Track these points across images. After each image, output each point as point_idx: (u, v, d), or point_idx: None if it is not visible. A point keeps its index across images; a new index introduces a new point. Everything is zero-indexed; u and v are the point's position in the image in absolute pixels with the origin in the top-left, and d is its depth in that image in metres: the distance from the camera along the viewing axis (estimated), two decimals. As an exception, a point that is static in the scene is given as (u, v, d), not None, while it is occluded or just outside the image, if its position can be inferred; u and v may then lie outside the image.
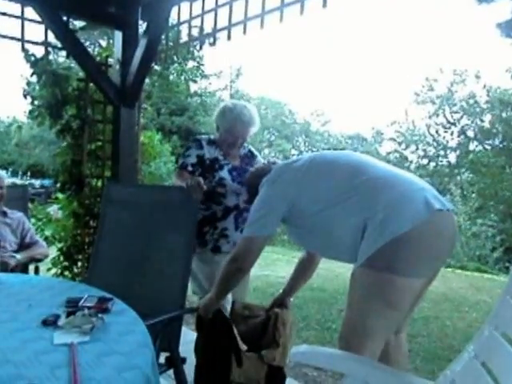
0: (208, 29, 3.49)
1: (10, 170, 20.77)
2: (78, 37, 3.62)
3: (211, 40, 3.50)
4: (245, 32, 2.98)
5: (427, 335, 3.63)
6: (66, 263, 4.05)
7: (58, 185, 4.06)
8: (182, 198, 2.19)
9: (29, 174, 20.99)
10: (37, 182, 19.52)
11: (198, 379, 2.06)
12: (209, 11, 3.33)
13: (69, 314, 1.33)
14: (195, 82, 13.46)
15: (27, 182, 19.04)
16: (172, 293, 2.04)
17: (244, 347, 1.95)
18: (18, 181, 18.85)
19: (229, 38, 3.12)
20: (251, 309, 2.17)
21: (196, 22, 3.53)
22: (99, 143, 4.01)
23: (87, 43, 17.86)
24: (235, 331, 1.95)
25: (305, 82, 55.02)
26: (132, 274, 2.14)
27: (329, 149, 27.28)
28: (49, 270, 4.05)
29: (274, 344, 2.00)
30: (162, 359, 1.86)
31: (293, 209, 1.81)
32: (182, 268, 2.09)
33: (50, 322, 1.28)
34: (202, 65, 10.58)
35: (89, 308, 1.40)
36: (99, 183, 4.01)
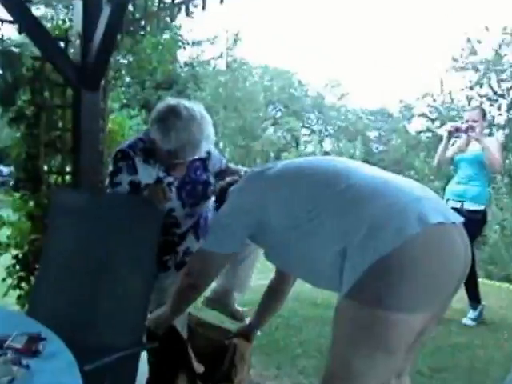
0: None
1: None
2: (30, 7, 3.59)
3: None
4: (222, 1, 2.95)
5: (453, 367, 3.52)
6: (22, 273, 4.06)
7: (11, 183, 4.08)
8: (143, 208, 2.19)
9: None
10: (5, 170, 19.64)
11: None
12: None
13: (-11, 361, 1.32)
14: (172, 56, 13.40)
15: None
16: (129, 322, 2.04)
17: (201, 369, 2.05)
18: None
19: (204, 7, 3.10)
20: (206, 327, 2.25)
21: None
22: (58, 132, 4.00)
23: (66, 10, 17.85)
24: (190, 352, 2.05)
25: (318, 48, 54.65)
26: (83, 299, 2.13)
27: (346, 127, 27.18)
28: (4, 280, 4.06)
29: (228, 381, 2.08)
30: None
31: (260, 223, 1.78)
32: (141, 292, 2.09)
33: (-35, 372, 1.28)
34: (180, 35, 10.54)
35: (15, 350, 1.40)
36: (59, 180, 4.01)
